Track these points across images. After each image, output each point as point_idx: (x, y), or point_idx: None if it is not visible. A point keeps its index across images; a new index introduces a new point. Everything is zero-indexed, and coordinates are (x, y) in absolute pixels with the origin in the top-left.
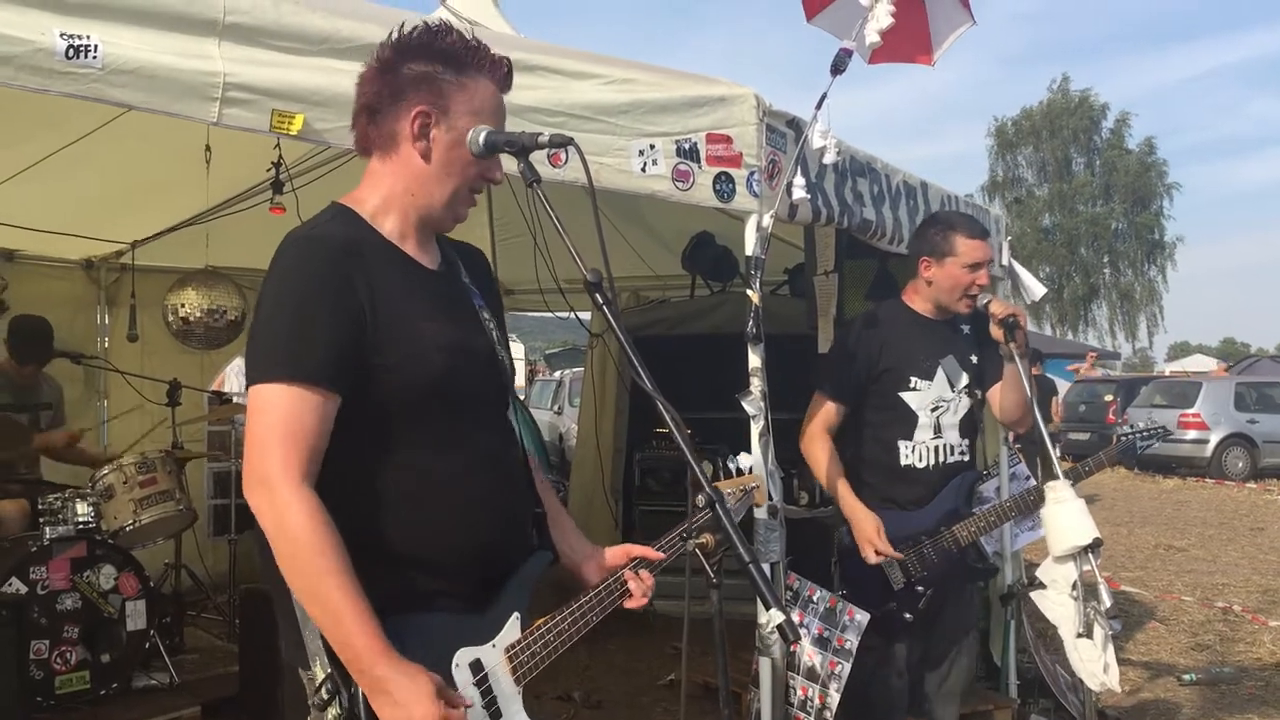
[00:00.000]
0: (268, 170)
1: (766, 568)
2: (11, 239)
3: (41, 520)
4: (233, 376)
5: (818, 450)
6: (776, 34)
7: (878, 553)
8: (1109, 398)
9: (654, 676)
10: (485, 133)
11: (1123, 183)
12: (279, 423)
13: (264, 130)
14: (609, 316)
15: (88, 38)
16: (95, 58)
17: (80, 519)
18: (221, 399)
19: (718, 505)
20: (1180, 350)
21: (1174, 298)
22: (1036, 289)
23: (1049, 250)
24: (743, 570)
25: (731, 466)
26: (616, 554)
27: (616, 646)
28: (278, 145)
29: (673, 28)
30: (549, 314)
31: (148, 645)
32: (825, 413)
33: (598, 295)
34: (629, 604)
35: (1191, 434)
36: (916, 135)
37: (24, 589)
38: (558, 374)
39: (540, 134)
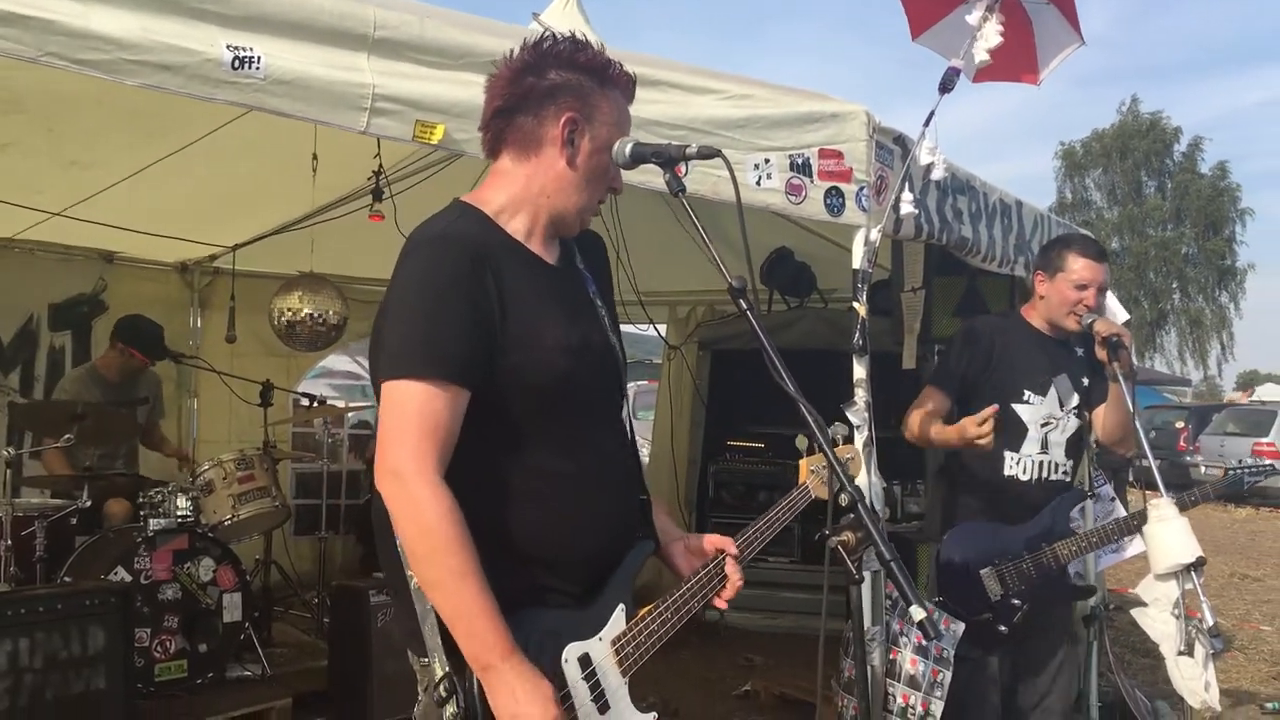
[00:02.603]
0: (368, 179)
1: (868, 575)
2: (112, 240)
3: (143, 513)
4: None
5: (914, 420)
6: (844, 58)
7: (981, 427)
8: (1180, 424)
9: (728, 687)
10: (631, 144)
11: (1194, 207)
12: (414, 417)
13: (407, 139)
14: (753, 321)
15: (251, 50)
16: (258, 68)
17: (181, 512)
18: (314, 401)
19: (859, 505)
20: (1249, 379)
21: (1245, 325)
22: (1120, 313)
23: (1117, 274)
24: (884, 567)
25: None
26: (703, 541)
27: (690, 656)
28: (378, 154)
29: (739, 47)
30: (629, 326)
31: (242, 637)
32: (922, 396)
33: (742, 301)
34: (717, 601)
35: (1265, 463)
36: (985, 155)
37: (128, 578)
38: None
39: (688, 146)
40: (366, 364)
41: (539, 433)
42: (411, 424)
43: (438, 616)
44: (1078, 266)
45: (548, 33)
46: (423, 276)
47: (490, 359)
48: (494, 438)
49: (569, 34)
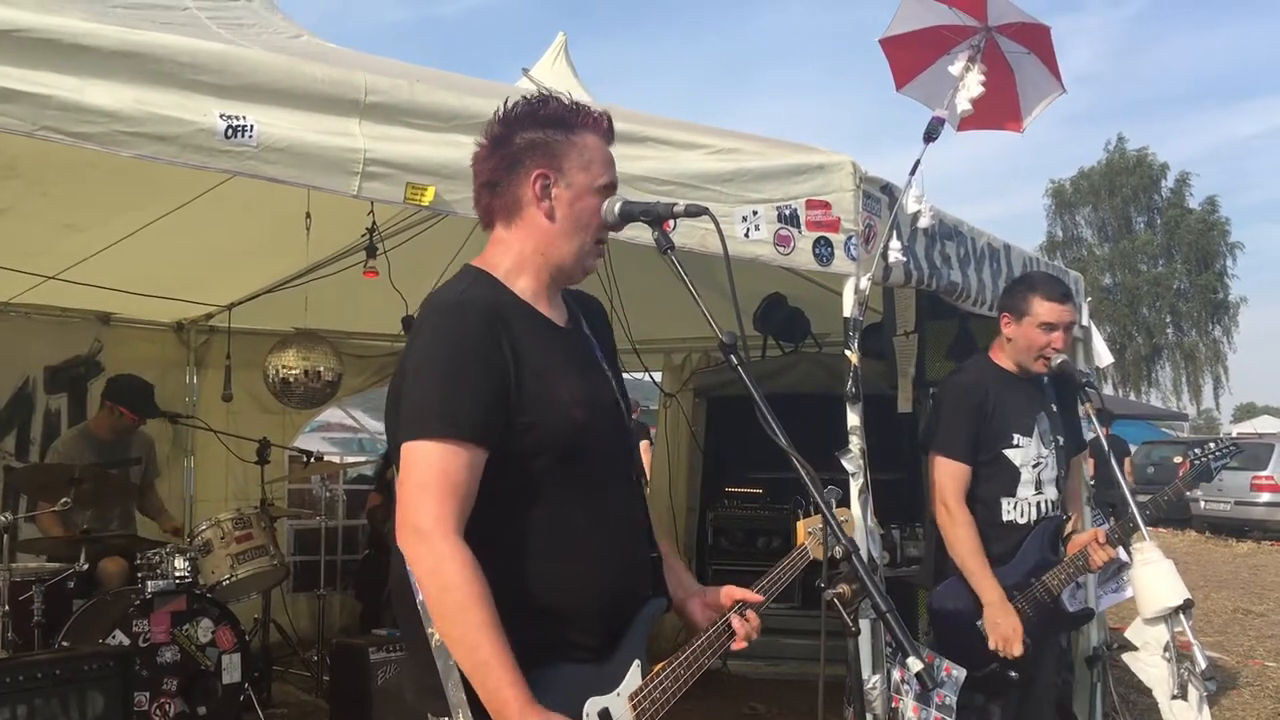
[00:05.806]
0: (361, 235)
1: (867, 624)
2: (108, 302)
3: (140, 575)
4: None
5: (963, 530)
6: (829, 103)
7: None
8: (1178, 459)
9: None
10: (620, 203)
11: (1185, 242)
12: (434, 477)
13: (398, 201)
14: (744, 377)
15: (244, 118)
16: (251, 137)
17: (179, 573)
18: (311, 457)
19: (854, 557)
20: (1246, 411)
21: (1239, 358)
22: (1105, 355)
23: (1110, 310)
24: (880, 619)
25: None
26: (719, 595)
27: (694, 706)
28: (371, 211)
29: (731, 92)
30: (625, 374)
31: (242, 698)
32: (959, 479)
33: (732, 356)
34: (734, 646)
35: (1265, 496)
36: (973, 195)
37: (127, 641)
38: None
39: (676, 204)
40: (361, 418)
41: (555, 487)
42: (432, 483)
43: (461, 673)
44: (1043, 310)
45: (511, 99)
46: (440, 341)
47: (507, 418)
48: (511, 493)
49: (534, 94)
